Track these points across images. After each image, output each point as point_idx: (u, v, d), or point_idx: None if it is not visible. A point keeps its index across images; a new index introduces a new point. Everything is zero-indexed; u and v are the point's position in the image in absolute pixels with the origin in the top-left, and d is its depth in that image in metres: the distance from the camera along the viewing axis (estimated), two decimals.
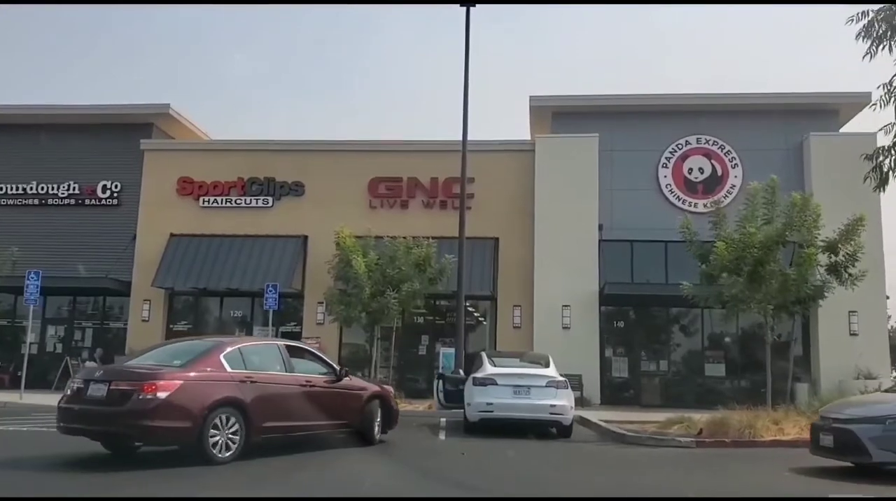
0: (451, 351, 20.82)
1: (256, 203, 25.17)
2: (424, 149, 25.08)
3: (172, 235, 24.98)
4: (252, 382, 9.75)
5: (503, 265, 24.02)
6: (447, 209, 24.12)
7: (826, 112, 24.04)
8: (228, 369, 9.62)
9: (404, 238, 20.19)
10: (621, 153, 24.44)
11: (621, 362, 24.11)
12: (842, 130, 24.27)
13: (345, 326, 19.42)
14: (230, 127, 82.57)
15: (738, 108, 24.42)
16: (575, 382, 20.93)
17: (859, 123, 24.48)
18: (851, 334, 22.26)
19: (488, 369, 14.30)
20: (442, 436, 13.71)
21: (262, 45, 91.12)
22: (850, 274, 14.82)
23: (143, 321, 24.79)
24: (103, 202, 25.96)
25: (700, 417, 14.48)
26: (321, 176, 24.94)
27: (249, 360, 10.06)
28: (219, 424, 9.19)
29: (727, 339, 24.21)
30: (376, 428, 11.72)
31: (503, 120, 79.13)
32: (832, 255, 14.79)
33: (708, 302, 15.57)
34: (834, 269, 14.82)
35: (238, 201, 25.27)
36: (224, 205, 25.29)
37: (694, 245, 15.31)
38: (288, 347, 11.10)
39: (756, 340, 23.97)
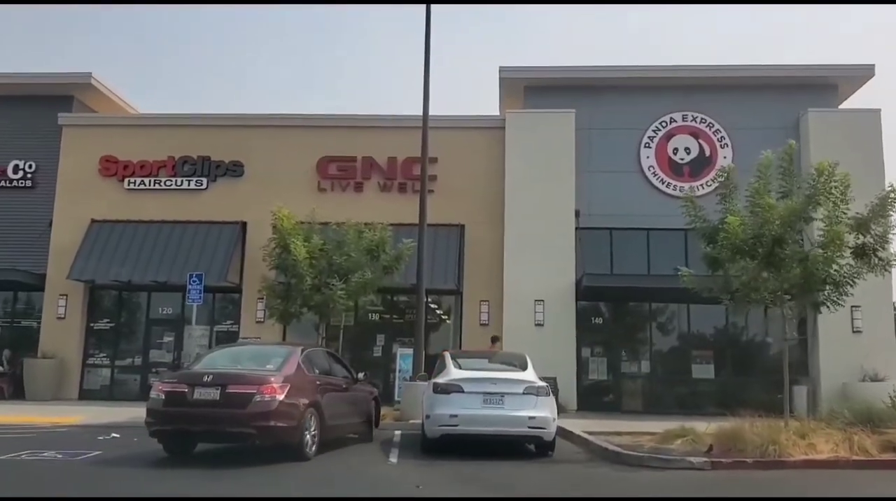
0: (410, 351, 18.15)
1: (189, 185, 22.21)
2: (381, 124, 22.35)
3: (93, 221, 21.94)
4: (321, 384, 11.01)
5: (470, 255, 21.40)
6: (407, 192, 21.42)
7: (824, 87, 21.77)
8: (307, 373, 10.80)
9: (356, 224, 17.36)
10: (600, 131, 21.97)
11: (600, 363, 21.63)
12: (841, 107, 22.06)
13: (283, 324, 16.63)
14: (162, 100, 77.55)
15: (727, 83, 22.07)
16: (550, 385, 18.50)
17: (861, 99, 22.35)
18: (854, 331, 20.03)
19: (452, 373, 11.64)
20: (393, 458, 10.98)
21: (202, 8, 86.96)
22: (880, 259, 12.44)
23: (59, 319, 21.70)
24: (15, 184, 22.77)
25: (706, 429, 12.02)
26: (263, 154, 22.09)
27: (315, 364, 11.35)
28: (309, 423, 10.32)
29: (717, 337, 21.88)
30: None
31: (476, 99, 76.42)
32: (860, 235, 12.40)
33: (712, 293, 13.06)
34: (862, 252, 12.43)
35: (168, 183, 22.29)
36: (152, 187, 22.30)
37: (699, 222, 12.78)
38: (327, 352, 12.97)
39: (750, 338, 21.88)
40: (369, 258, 16.55)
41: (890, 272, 12.49)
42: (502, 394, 11.11)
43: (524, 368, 11.86)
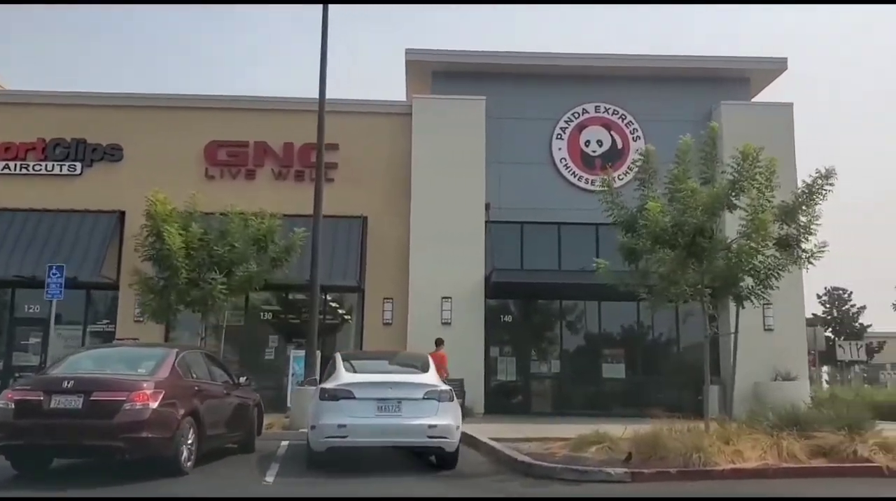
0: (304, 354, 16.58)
1: (61, 170, 19.98)
2: (277, 107, 20.62)
3: None
4: (199, 390, 9.85)
5: (373, 249, 19.96)
6: (304, 181, 19.79)
7: (737, 80, 21.33)
8: (183, 377, 9.68)
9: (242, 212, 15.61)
10: (511, 121, 20.91)
11: (509, 363, 20.60)
12: (754, 100, 21.67)
13: (158, 322, 14.76)
14: (31, 76, 72.36)
15: (640, 74, 21.36)
16: (457, 388, 17.27)
17: (773, 93, 22.03)
18: (766, 329, 19.61)
19: (343, 377, 10.16)
20: (269, 477, 9.43)
21: None
22: (804, 250, 11.72)
23: None
24: None
25: (622, 433, 10.97)
26: (145, 138, 20.05)
27: (192, 368, 10.18)
28: (185, 434, 9.22)
29: (627, 335, 21.16)
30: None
31: (392, 86, 74.51)
32: (785, 225, 11.63)
33: (629, 287, 12.07)
34: (785, 243, 11.67)
35: (38, 167, 20.01)
36: (19, 171, 19.99)
37: (616, 209, 11.75)
38: (206, 354, 11.53)
39: (660, 336, 21.24)
40: (256, 249, 14.88)
41: (814, 265, 11.72)
42: (399, 400, 9.73)
43: (425, 370, 10.50)
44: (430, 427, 9.65)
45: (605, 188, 11.94)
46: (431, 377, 10.26)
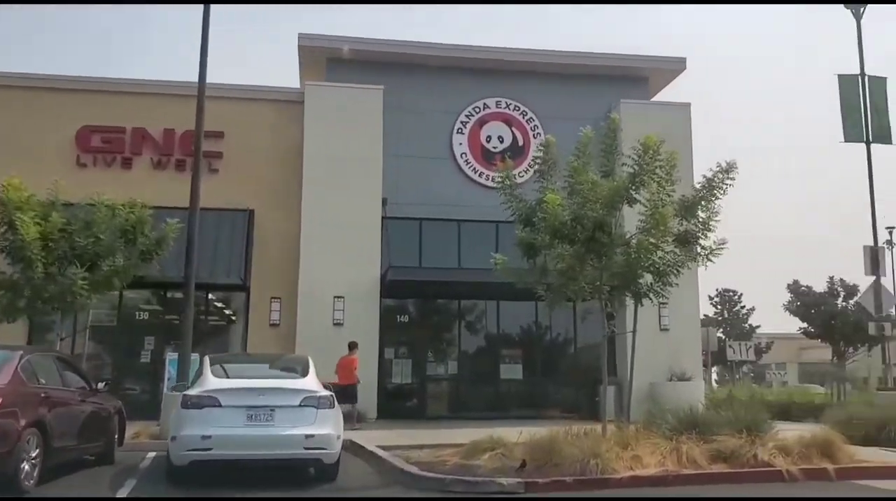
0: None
1: None
2: (157, 91, 19.13)
3: None
4: (46, 398, 8.82)
5: (260, 246, 18.77)
6: (186, 171, 18.32)
7: (637, 79, 21.21)
8: (28, 383, 8.64)
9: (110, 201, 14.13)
10: (411, 114, 20.05)
11: (404, 365, 19.80)
12: (653, 100, 21.59)
13: (7, 321, 13.15)
14: None
15: (541, 70, 20.94)
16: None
17: (672, 93, 22.05)
18: (662, 329, 19.49)
19: (209, 382, 9.09)
20: (122, 493, 8.31)
21: None
22: (703, 247, 11.40)
23: None
24: None
25: (517, 438, 10.32)
26: (6, 120, 18.20)
27: (39, 373, 9.13)
28: (27, 448, 8.20)
29: (526, 336, 20.74)
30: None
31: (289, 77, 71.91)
32: (685, 220, 11.27)
33: (527, 284, 11.46)
34: (685, 240, 11.31)
35: None
36: None
37: (514, 202, 11.12)
38: (58, 357, 10.47)
39: (559, 336, 20.88)
40: (124, 242, 13.49)
41: (713, 262, 11.39)
42: (272, 408, 8.75)
43: (304, 374, 9.52)
44: (308, 437, 8.72)
45: (504, 178, 11.28)
46: (310, 382, 9.30)
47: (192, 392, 8.95)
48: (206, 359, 9.84)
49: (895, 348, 20.55)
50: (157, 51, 74.50)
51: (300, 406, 8.85)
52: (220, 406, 8.65)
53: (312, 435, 8.72)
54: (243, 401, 8.72)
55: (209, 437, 8.49)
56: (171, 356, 16.21)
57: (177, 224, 13.98)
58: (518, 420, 15.81)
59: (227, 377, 9.44)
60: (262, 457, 8.76)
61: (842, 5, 18.43)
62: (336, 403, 9.30)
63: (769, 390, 32.11)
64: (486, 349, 20.52)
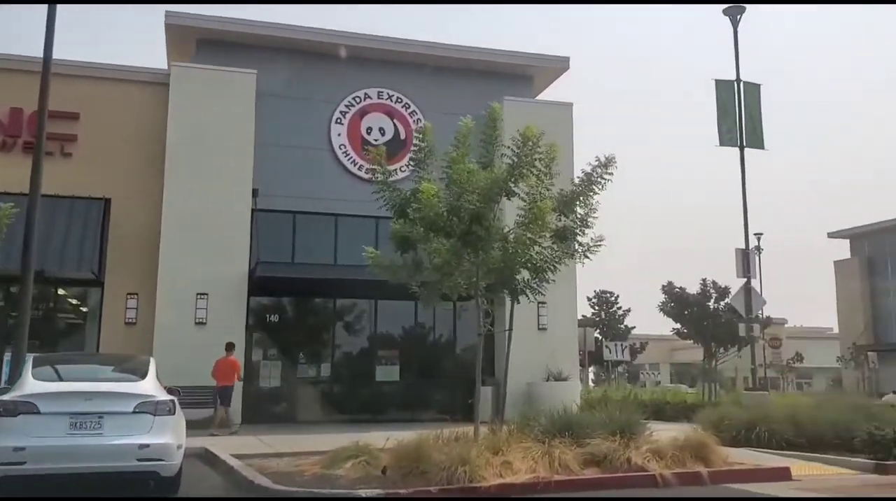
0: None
1: None
2: (1, 66, 17.31)
3: None
4: None
5: (117, 237, 17.31)
6: None
7: (521, 77, 20.97)
8: None
9: None
10: (287, 100, 19.04)
11: (273, 367, 18.68)
12: (537, 98, 21.39)
13: None
14: None
15: (425, 62, 20.31)
16: (208, 397, 15.22)
17: (555, 92, 21.94)
18: (540, 328, 19.31)
19: (28, 386, 7.90)
20: None
21: None
22: (580, 244, 11.06)
23: None
24: None
25: (384, 444, 9.64)
26: None
27: None
28: None
29: (403, 336, 20.07)
30: None
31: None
32: (563, 216, 10.90)
33: (401, 280, 10.78)
34: (563, 236, 10.94)
35: None
36: None
37: (388, 191, 10.43)
38: None
39: (436, 336, 20.32)
40: None
41: (590, 259, 11.09)
42: (101, 415, 7.67)
43: (143, 376, 8.45)
44: (142, 447, 7.69)
45: (377, 167, 10.57)
46: (148, 385, 8.25)
47: (6, 397, 7.74)
48: (29, 360, 8.62)
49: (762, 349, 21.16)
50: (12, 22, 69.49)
51: (134, 412, 7.80)
52: (38, 412, 7.51)
53: (147, 445, 7.69)
54: (66, 407, 7.61)
55: (23, 449, 7.33)
56: (7, 357, 14.59)
57: (11, 208, 12.47)
58: (392, 423, 15.15)
59: (52, 380, 8.27)
60: (87, 471, 7.62)
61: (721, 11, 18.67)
62: (178, 409, 8.29)
63: (643, 390, 32.82)
64: (362, 350, 19.71)
